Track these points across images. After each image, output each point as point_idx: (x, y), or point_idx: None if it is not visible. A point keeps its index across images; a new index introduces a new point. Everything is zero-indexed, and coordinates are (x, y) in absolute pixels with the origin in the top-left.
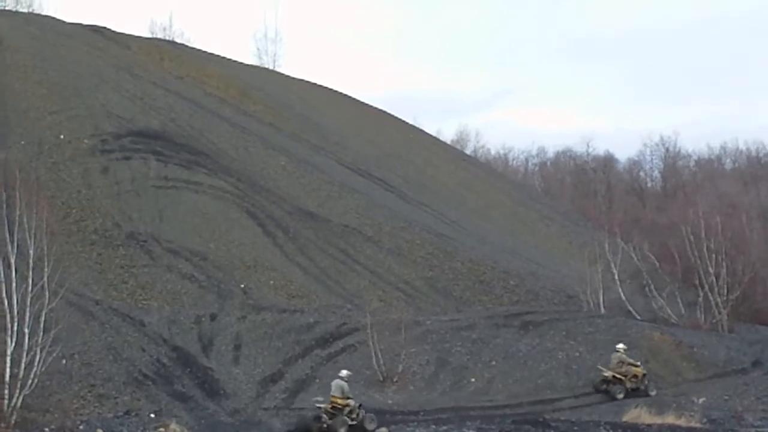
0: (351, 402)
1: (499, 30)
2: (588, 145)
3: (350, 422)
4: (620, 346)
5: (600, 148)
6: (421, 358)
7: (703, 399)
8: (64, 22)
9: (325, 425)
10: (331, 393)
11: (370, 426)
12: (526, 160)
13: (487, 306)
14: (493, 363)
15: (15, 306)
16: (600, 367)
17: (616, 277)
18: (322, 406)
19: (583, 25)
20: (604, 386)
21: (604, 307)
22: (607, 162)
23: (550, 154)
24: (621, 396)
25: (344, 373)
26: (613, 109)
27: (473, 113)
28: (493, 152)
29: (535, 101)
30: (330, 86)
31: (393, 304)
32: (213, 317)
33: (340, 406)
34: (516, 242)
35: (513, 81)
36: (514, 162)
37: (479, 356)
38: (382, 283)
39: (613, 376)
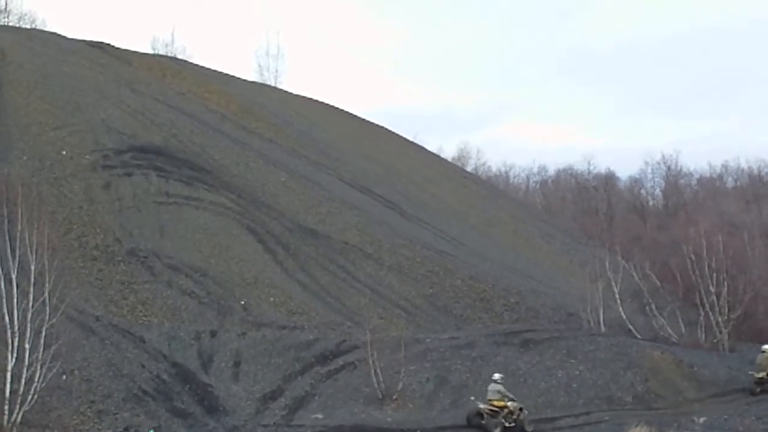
0: (510, 404)
1: (499, 48)
2: (589, 163)
3: (507, 424)
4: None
5: (601, 166)
6: (421, 375)
7: (704, 418)
8: (66, 38)
9: (482, 423)
10: (488, 397)
11: (529, 428)
12: (527, 177)
13: (488, 324)
14: None
15: (16, 321)
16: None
17: (617, 295)
18: (482, 406)
19: (583, 42)
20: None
21: (605, 325)
22: (608, 180)
23: (551, 171)
24: None
25: (497, 376)
26: (614, 127)
27: (474, 130)
28: (494, 170)
29: (536, 119)
30: (331, 102)
31: (393, 321)
32: (213, 333)
33: (497, 408)
34: (517, 260)
35: (514, 98)
36: (515, 179)
37: (479, 374)
38: (382, 301)
39: None
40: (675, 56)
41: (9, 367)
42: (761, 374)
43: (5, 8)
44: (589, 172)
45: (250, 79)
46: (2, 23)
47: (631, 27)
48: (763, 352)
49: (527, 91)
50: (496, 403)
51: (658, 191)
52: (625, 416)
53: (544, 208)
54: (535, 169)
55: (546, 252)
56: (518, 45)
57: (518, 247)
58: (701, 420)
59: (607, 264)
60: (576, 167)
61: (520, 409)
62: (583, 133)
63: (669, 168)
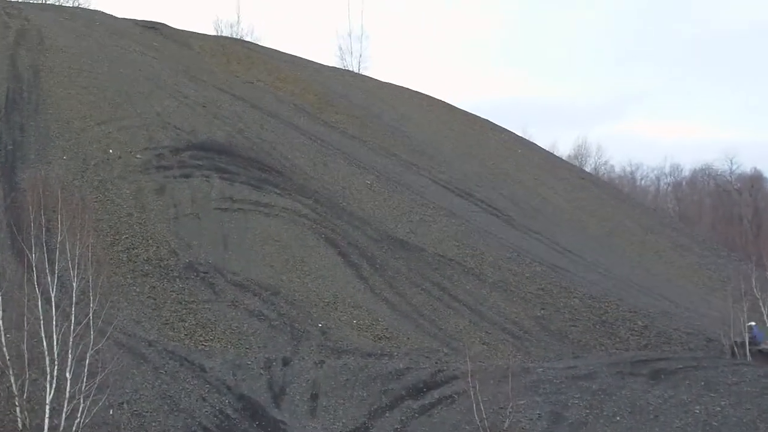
0: None
1: (624, 31)
2: (731, 162)
3: None
4: None
5: (745, 165)
6: (532, 412)
7: None
8: (115, 17)
9: None
10: None
11: None
12: (657, 178)
13: (610, 351)
14: (618, 418)
15: (55, 347)
16: None
17: (766, 317)
18: None
19: (721, 22)
20: None
21: (751, 353)
22: (754, 181)
23: (686, 172)
24: None
25: None
26: (759, 119)
27: (594, 124)
28: (617, 170)
29: (667, 110)
30: (424, 92)
31: (498, 348)
32: (286, 362)
33: None
34: (645, 276)
35: (641, 88)
36: (643, 181)
37: (601, 410)
38: (485, 324)
39: None
40: None
41: (48, 400)
42: None
43: None
44: (731, 172)
45: (330, 64)
46: (40, 1)
47: None
48: None
49: (657, 80)
50: None
51: None
52: None
53: (678, 215)
54: (667, 169)
55: (680, 267)
56: (646, 30)
57: (646, 260)
58: None
59: (753, 280)
60: (715, 166)
61: None
62: (723, 126)
63: None
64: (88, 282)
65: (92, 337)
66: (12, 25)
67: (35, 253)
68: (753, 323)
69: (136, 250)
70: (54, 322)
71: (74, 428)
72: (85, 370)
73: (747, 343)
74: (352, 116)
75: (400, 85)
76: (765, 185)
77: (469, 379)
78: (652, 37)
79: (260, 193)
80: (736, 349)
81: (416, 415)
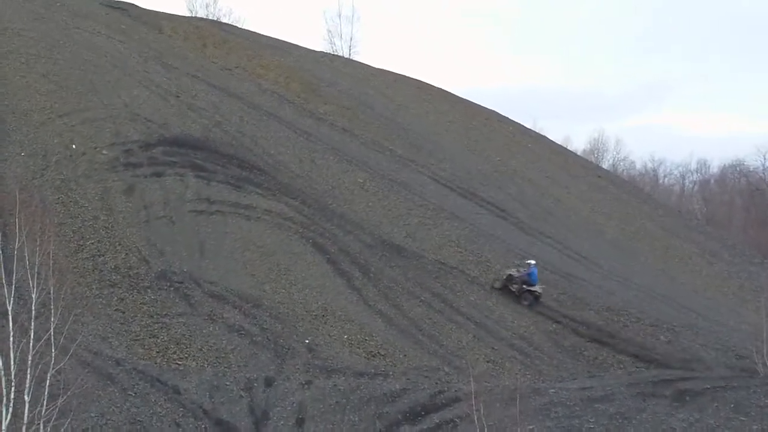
0: None
1: (644, 13)
2: (765, 157)
3: None
4: None
5: None
6: None
7: None
8: None
9: None
10: None
11: None
12: (683, 176)
13: (630, 369)
14: None
15: (12, 366)
16: None
17: None
18: None
19: (753, 5)
20: None
21: None
22: None
23: (715, 168)
24: None
25: None
26: None
27: (612, 116)
28: (638, 166)
29: (693, 101)
30: (423, 80)
31: (505, 366)
32: (269, 382)
33: None
34: (669, 285)
35: (664, 76)
36: (667, 179)
37: None
38: (491, 339)
39: None
40: None
41: (3, 426)
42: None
43: None
44: (765, 169)
45: (317, 49)
46: None
47: None
48: None
49: (681, 68)
50: None
51: None
52: None
53: (705, 217)
54: (693, 166)
55: (708, 275)
56: (670, 11)
57: (671, 268)
58: None
59: None
60: (747, 162)
61: None
62: (755, 118)
63: None
64: (49, 293)
65: (53, 355)
66: None
67: None
68: (533, 261)
69: (102, 258)
70: (11, 339)
71: None
72: (46, 392)
73: (521, 281)
74: (343, 107)
75: (395, 72)
76: None
77: (473, 402)
78: (676, 19)
79: (240, 194)
80: (503, 283)
81: None
